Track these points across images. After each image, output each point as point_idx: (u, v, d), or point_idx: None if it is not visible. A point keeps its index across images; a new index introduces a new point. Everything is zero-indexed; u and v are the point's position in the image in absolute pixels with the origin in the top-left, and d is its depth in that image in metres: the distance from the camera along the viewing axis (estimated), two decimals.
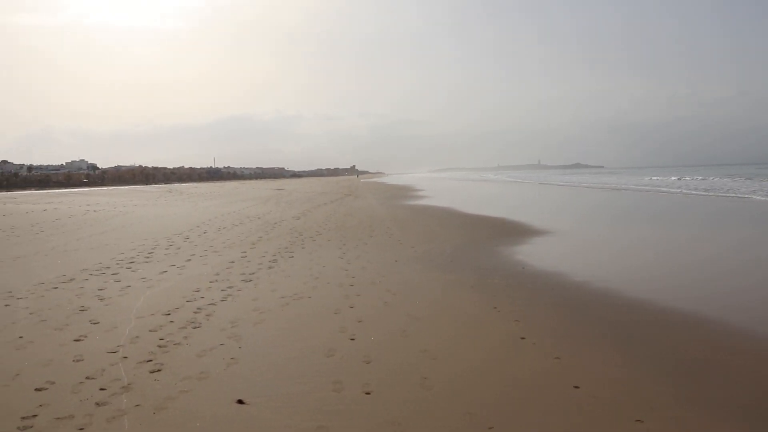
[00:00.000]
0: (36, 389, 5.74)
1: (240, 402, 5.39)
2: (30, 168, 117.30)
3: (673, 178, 77.85)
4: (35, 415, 5.15)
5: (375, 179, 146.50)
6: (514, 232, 18.77)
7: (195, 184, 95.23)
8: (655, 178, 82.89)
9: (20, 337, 7.52)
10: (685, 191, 45.47)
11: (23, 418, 5.11)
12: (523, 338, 7.26)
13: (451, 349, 6.91)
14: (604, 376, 6.01)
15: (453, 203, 35.01)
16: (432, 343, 7.10)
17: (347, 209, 29.97)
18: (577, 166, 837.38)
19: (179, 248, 15.32)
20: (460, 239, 17.00)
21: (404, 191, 57.00)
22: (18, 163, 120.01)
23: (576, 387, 5.66)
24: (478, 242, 16.31)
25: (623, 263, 13.31)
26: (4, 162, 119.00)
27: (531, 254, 14.11)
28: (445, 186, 77.03)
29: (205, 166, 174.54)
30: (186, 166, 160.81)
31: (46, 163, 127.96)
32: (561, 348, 6.88)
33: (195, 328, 7.80)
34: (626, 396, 5.49)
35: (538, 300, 9.42)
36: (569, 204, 36.66)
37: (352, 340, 7.23)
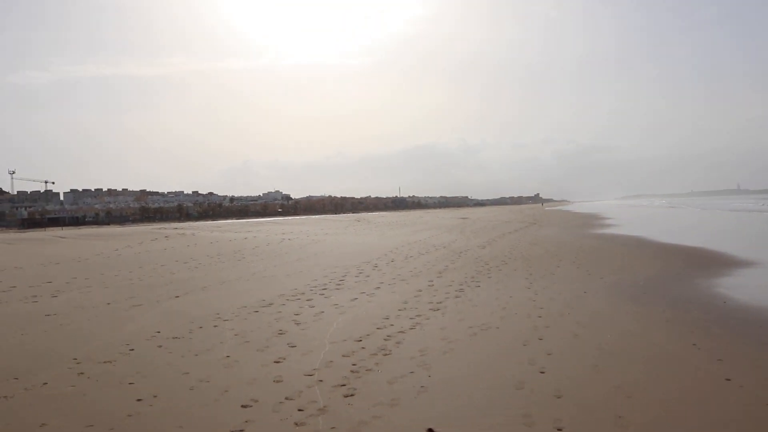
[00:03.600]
0: (242, 405, 6.18)
1: (430, 431, 5.45)
2: (232, 199, 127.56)
3: None
4: (242, 430, 5.54)
5: (560, 207, 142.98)
6: (713, 262, 17.54)
7: (381, 213, 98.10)
8: None
9: (227, 356, 8.13)
10: None
11: (232, 431, 5.50)
12: (728, 380, 6.73)
13: (647, 387, 6.55)
14: None
15: (643, 232, 33.26)
16: (626, 379, 6.79)
17: (532, 238, 29.50)
18: None
19: (368, 276, 15.83)
20: (652, 269, 16.15)
21: (591, 219, 55.16)
22: (222, 194, 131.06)
23: None
24: (673, 273, 15.41)
25: None
26: (211, 194, 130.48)
27: (734, 287, 13.08)
28: (633, 214, 73.46)
29: (390, 195, 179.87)
30: (372, 196, 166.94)
31: (245, 194, 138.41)
32: None
33: (385, 355, 8.01)
34: None
35: (743, 338, 8.71)
36: None
37: (542, 373, 7.07)
